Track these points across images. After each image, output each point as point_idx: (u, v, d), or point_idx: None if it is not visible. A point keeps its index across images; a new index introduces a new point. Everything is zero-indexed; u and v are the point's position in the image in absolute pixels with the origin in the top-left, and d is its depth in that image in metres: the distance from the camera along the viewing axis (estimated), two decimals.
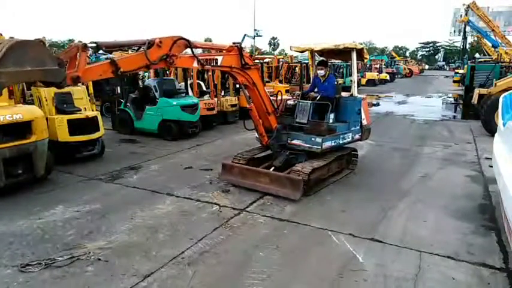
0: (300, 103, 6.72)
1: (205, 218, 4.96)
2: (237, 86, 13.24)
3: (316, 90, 7.06)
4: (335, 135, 6.25)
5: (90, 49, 4.23)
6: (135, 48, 4.88)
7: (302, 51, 7.77)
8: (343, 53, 6.99)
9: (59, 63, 3.64)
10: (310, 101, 6.64)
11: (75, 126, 7.15)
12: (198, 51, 5.49)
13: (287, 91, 13.71)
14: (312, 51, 7.35)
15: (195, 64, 5.17)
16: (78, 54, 3.90)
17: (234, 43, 5.77)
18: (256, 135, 6.61)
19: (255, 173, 5.95)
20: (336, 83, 7.04)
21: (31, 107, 6.22)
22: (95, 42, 4.14)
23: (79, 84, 8.18)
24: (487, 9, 45.75)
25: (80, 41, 3.96)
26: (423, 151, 8.95)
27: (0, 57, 3.20)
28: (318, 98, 6.61)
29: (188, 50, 5.06)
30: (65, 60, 3.80)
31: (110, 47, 4.46)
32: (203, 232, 4.50)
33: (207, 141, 9.88)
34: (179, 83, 11.66)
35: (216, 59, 5.47)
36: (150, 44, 4.50)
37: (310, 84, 7.45)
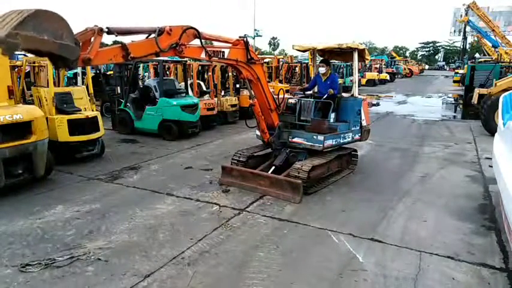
0: (302, 101, 6.73)
1: (205, 218, 4.96)
2: (237, 86, 13.28)
3: (316, 90, 7.07)
4: (336, 134, 6.27)
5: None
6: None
7: (304, 51, 7.78)
8: (345, 53, 7.00)
9: (75, 42, 3.64)
10: (312, 99, 6.65)
11: (75, 126, 7.14)
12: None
13: (287, 91, 13.72)
14: (313, 51, 7.35)
15: (203, 55, 5.18)
16: (92, 38, 3.88)
17: (240, 37, 5.78)
18: (257, 133, 6.62)
19: (255, 176, 5.95)
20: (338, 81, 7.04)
21: (31, 107, 6.21)
22: (107, 27, 4.12)
23: (79, 84, 8.22)
24: (487, 9, 45.81)
25: (96, 25, 3.93)
26: (423, 151, 8.95)
27: (21, 19, 3.19)
28: (325, 96, 6.58)
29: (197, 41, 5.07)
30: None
31: (122, 33, 4.42)
32: (203, 232, 4.50)
33: (207, 141, 9.87)
34: (179, 83, 11.66)
35: (223, 52, 5.49)
36: (161, 31, 4.52)
37: (310, 83, 7.43)
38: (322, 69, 6.85)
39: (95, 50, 3.91)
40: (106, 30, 4.08)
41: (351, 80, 18.32)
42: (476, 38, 39.51)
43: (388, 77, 36.91)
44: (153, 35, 4.51)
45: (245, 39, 5.77)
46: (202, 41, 5.13)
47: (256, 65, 5.93)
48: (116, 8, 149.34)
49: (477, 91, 13.39)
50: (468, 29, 42.62)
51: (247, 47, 5.75)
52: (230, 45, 5.65)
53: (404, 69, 49.71)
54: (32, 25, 3.25)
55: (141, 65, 14.68)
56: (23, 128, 5.65)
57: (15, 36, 3.16)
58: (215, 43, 6.01)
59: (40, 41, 3.34)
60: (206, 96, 11.72)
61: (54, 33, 3.42)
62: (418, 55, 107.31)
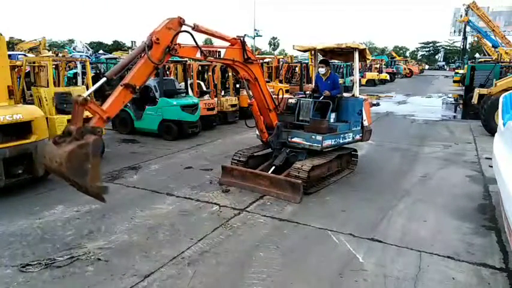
0: (302, 101, 6.72)
1: (205, 218, 4.96)
2: (237, 86, 13.28)
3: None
4: (335, 134, 6.26)
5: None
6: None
7: (305, 51, 7.78)
8: (346, 53, 7.00)
9: (92, 131, 3.80)
10: (312, 99, 6.65)
11: None
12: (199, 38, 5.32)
13: (287, 91, 13.72)
14: (314, 51, 7.35)
15: (198, 55, 5.10)
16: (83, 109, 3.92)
17: (238, 36, 5.71)
18: (257, 132, 6.62)
19: (255, 176, 5.95)
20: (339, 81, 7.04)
21: (31, 107, 6.22)
22: (105, 76, 4.26)
23: (79, 84, 8.23)
24: (487, 9, 45.88)
25: (79, 95, 3.91)
26: (423, 151, 8.95)
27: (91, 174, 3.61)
28: (321, 98, 6.59)
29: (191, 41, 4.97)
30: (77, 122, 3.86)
31: (119, 72, 4.36)
32: (203, 232, 4.50)
33: (207, 141, 9.88)
34: (179, 83, 11.65)
35: (219, 52, 5.43)
36: (149, 46, 4.37)
37: (313, 84, 7.43)
38: (321, 70, 6.86)
39: (99, 108, 4.04)
40: (110, 79, 4.22)
41: (351, 80, 18.32)
42: (476, 38, 39.50)
43: (388, 77, 36.89)
44: (143, 54, 4.37)
45: (242, 38, 5.70)
46: (198, 40, 5.01)
47: (253, 65, 5.89)
48: (115, 7, 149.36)
49: (477, 91, 13.38)
50: (468, 29, 42.67)
51: (244, 47, 5.70)
52: (227, 43, 5.61)
53: (405, 69, 49.70)
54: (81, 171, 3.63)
55: None
56: (23, 128, 5.65)
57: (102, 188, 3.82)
58: (214, 43, 5.97)
59: (95, 166, 3.70)
60: (206, 96, 11.72)
61: (84, 162, 3.64)
62: (418, 55, 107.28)
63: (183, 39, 4.85)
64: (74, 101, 3.89)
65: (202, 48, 5.10)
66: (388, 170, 7.38)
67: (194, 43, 4.95)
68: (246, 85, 6.09)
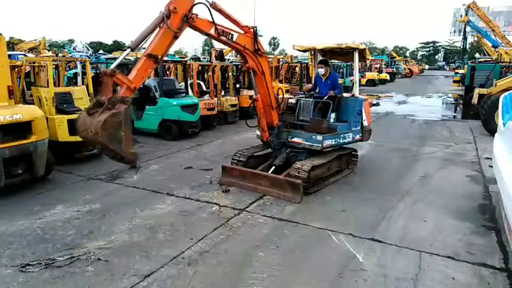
0: (302, 101, 6.72)
1: (205, 218, 4.96)
2: (237, 86, 13.28)
3: (317, 90, 7.07)
4: (336, 134, 6.26)
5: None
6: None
7: (304, 51, 7.78)
8: (346, 53, 7.00)
9: (122, 100, 4.06)
10: (312, 99, 6.65)
11: (75, 126, 7.13)
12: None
13: (287, 91, 13.72)
14: (314, 51, 7.35)
15: (212, 31, 5.17)
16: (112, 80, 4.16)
17: (251, 26, 5.78)
18: (258, 132, 6.63)
19: (255, 176, 5.95)
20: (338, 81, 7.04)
21: (31, 107, 6.21)
22: (128, 47, 4.52)
23: (79, 84, 8.22)
24: (487, 9, 45.93)
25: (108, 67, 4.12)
26: (423, 151, 8.95)
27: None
28: (325, 97, 6.57)
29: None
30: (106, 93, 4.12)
31: (139, 43, 4.53)
32: (203, 232, 4.50)
33: (207, 141, 9.87)
34: (179, 83, 11.65)
35: (232, 34, 5.49)
36: (167, 15, 4.49)
37: (312, 84, 7.43)
38: (321, 70, 6.86)
39: (128, 80, 4.24)
40: (130, 48, 4.45)
41: (351, 80, 18.31)
42: (476, 38, 39.55)
43: (388, 77, 36.88)
44: (162, 24, 4.50)
45: (255, 28, 5.77)
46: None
47: (262, 58, 5.97)
48: (115, 7, 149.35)
49: (477, 91, 13.38)
50: (468, 29, 42.75)
51: (256, 37, 5.76)
52: (239, 30, 5.64)
53: (405, 69, 49.70)
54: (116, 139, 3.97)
55: None
56: (23, 128, 5.65)
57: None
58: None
59: (127, 132, 4.06)
60: (206, 96, 11.71)
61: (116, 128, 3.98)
62: (418, 55, 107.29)
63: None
64: (103, 73, 4.17)
65: (218, 26, 5.15)
66: (388, 170, 7.38)
67: (210, 18, 5.04)
68: (253, 78, 6.11)
